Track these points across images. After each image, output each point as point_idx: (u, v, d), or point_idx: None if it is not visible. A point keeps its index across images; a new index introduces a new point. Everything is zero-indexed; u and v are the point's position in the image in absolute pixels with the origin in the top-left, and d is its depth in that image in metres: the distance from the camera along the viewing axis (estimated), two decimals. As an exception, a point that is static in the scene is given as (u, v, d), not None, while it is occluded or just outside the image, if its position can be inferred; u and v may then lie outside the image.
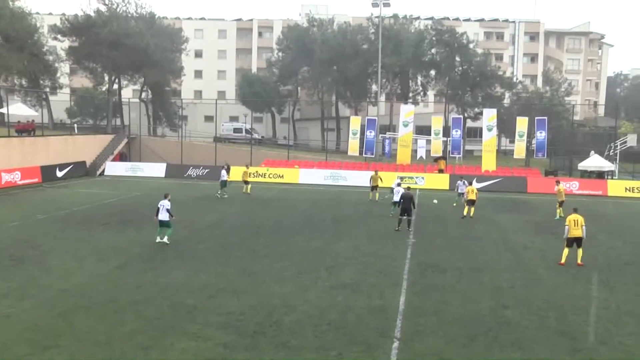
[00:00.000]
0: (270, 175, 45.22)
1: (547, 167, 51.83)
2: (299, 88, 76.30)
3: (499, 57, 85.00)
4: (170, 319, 12.88)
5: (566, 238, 18.98)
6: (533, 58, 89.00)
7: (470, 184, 30.16)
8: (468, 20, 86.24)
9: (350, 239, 22.62)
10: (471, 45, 68.45)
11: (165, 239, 20.33)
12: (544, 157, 50.37)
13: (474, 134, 68.47)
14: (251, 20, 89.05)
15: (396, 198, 26.79)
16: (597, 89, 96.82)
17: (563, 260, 18.89)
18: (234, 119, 75.22)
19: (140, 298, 14.30)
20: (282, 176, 44.97)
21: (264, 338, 11.85)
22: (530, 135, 50.47)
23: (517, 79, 76.35)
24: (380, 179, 34.81)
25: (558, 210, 29.70)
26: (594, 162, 46.57)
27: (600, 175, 45.52)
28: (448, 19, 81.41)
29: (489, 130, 47.70)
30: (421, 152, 50.21)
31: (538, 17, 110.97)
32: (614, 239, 24.01)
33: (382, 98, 69.46)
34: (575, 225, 18.86)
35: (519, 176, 44.52)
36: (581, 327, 13.11)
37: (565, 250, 19.06)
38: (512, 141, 51.71)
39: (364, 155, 50.81)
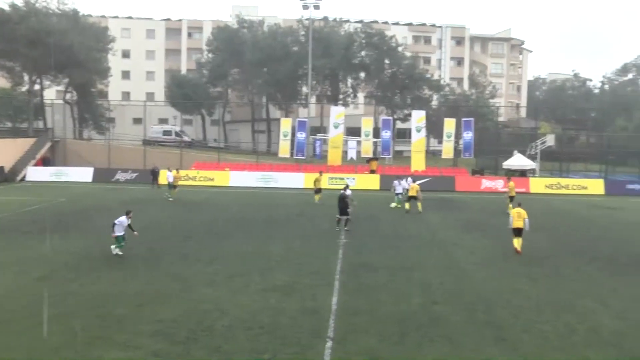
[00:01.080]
0: (201, 178, 44.55)
1: (474, 166, 53.68)
2: (229, 90, 75.58)
3: (427, 61, 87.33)
4: (98, 330, 12.32)
5: (511, 228, 20.97)
6: (459, 62, 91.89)
7: (414, 182, 31.88)
8: (397, 24, 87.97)
9: (282, 240, 22.54)
10: (400, 49, 69.97)
11: (118, 250, 19.01)
12: (471, 157, 52.08)
13: (404, 135, 69.87)
14: (180, 20, 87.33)
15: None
16: (519, 91, 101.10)
17: (518, 248, 20.79)
18: (163, 121, 73.59)
19: (66, 310, 13.63)
20: (213, 179, 44.39)
21: (196, 344, 11.58)
22: (458, 135, 52.00)
23: (444, 81, 78.52)
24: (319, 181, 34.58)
25: (509, 206, 30.87)
26: (517, 161, 48.67)
27: (523, 173, 47.60)
28: (377, 22, 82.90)
29: (418, 131, 48.82)
30: (352, 153, 50.76)
31: (463, 23, 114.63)
32: (536, 233, 25.04)
33: (313, 100, 69.82)
34: (519, 217, 20.75)
35: (447, 175, 45.80)
36: (507, 318, 13.62)
37: (514, 240, 20.93)
38: (441, 142, 53.22)
39: (295, 156, 50.86)
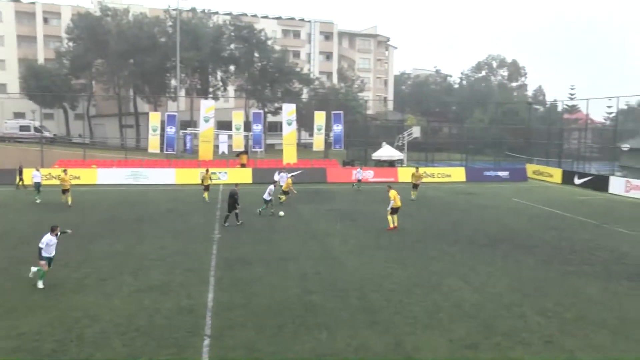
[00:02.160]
0: (59, 177, 41.69)
1: (345, 157, 55.40)
2: (93, 82, 71.33)
3: (297, 55, 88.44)
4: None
5: (391, 208, 24.01)
6: (328, 56, 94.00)
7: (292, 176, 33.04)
8: (266, 17, 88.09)
9: (155, 238, 21.94)
10: (269, 42, 70.24)
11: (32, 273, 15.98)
12: (342, 149, 53.62)
13: (275, 128, 70.41)
14: (33, 3, 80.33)
15: (266, 197, 27.40)
16: (386, 86, 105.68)
17: (391, 225, 24.01)
18: (19, 115, 67.90)
19: None
20: (79, 177, 41.75)
21: (65, 356, 10.97)
22: (328, 128, 53.32)
23: (314, 75, 80.00)
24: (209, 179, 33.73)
25: (413, 193, 33.87)
26: (386, 152, 51.01)
27: (392, 163, 49.98)
28: (246, 15, 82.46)
29: (289, 124, 49.42)
30: (223, 148, 50.28)
31: (332, 19, 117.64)
32: (405, 220, 26.48)
33: (182, 93, 68.15)
34: (396, 198, 24.10)
35: (318, 167, 46.83)
36: (379, 302, 14.39)
37: (390, 218, 24.06)
38: (311, 134, 54.28)
39: (165, 152, 49.43)
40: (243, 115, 54.94)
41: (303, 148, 61.85)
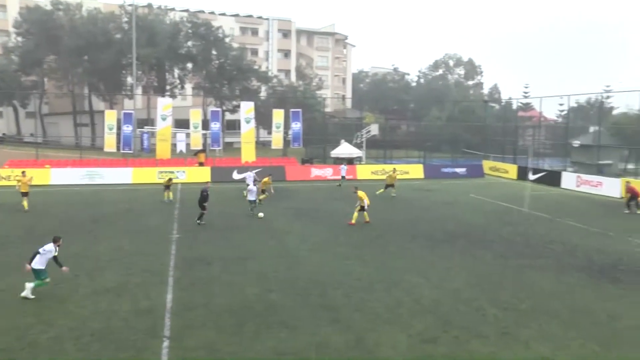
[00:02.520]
0: (16, 178, 40.45)
1: (304, 155, 55.43)
2: (45, 79, 69.33)
3: (255, 52, 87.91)
4: None
5: (360, 206, 24.79)
6: (286, 54, 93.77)
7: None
8: (224, 14, 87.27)
9: (111, 239, 21.49)
10: (227, 40, 69.67)
11: (29, 291, 14.32)
12: (300, 147, 53.62)
13: (233, 126, 69.87)
14: (-25, -6, 76.67)
15: (251, 197, 27.20)
16: (344, 84, 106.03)
17: (354, 221, 24.60)
18: (-37, 113, 65.52)
19: None
20: (31, 178, 40.56)
21: (16, 361, 10.65)
22: (287, 126, 53.22)
23: (272, 73, 79.68)
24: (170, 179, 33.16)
25: (391, 190, 34.63)
26: (345, 149, 51.25)
27: (350, 161, 50.20)
28: (203, 12, 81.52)
29: (247, 122, 49.11)
30: (181, 146, 49.62)
31: (290, 16, 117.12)
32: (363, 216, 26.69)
33: (139, 91, 67.02)
34: (365, 197, 24.86)
35: (277, 165, 46.70)
36: (339, 299, 14.44)
37: (356, 214, 24.65)
38: (270, 132, 54.07)
39: (121, 151, 48.46)
40: (201, 114, 54.35)
41: (262, 146, 61.61)
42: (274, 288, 15.31)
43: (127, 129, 47.84)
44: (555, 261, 18.94)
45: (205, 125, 53.71)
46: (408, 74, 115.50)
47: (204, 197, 24.63)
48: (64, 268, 14.74)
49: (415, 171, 48.14)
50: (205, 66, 67.76)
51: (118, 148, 48.42)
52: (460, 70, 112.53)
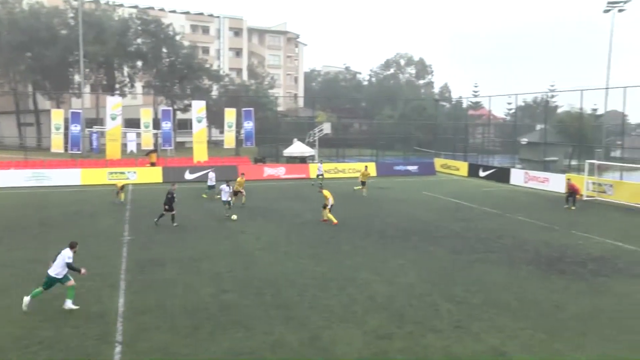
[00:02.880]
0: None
1: (256, 155, 55.14)
2: (-17, 76, 66.69)
3: (206, 51, 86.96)
4: None
5: (329, 205, 24.72)
6: (238, 52, 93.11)
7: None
8: (174, 12, 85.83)
9: (60, 243, 20.54)
10: (178, 38, 68.64)
11: (70, 304, 13.49)
12: (253, 146, 53.31)
13: (185, 125, 68.72)
14: None
15: (224, 197, 26.51)
16: (296, 82, 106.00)
17: (328, 219, 24.68)
18: None
19: None
20: (-30, 180, 39.03)
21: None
22: (239, 125, 52.84)
23: (223, 72, 78.99)
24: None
25: (363, 189, 34.97)
26: (297, 148, 51.23)
27: (303, 160, 50.22)
28: (153, 9, 79.98)
29: (199, 121, 48.46)
30: (131, 146, 48.56)
31: (241, 15, 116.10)
32: (317, 215, 26.75)
33: (87, 89, 65.21)
34: (326, 197, 24.86)
35: (230, 165, 46.32)
36: (294, 298, 14.45)
37: (331, 215, 24.65)
38: (222, 132, 53.49)
39: (70, 151, 47.02)
40: (152, 113, 53.39)
41: (214, 146, 60.94)
42: (229, 288, 15.19)
43: (75, 128, 46.43)
44: (505, 255, 19.46)
45: (157, 124, 52.79)
46: (360, 73, 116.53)
47: (169, 199, 24.26)
48: (82, 271, 13.74)
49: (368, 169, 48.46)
50: (155, 64, 66.57)
51: (66, 149, 46.97)
52: (411, 70, 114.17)
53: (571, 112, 61.34)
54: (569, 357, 11.14)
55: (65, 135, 46.65)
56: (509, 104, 75.69)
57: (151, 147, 47.94)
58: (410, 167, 49.89)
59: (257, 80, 78.00)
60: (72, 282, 13.57)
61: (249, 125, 50.37)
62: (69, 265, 13.52)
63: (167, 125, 48.98)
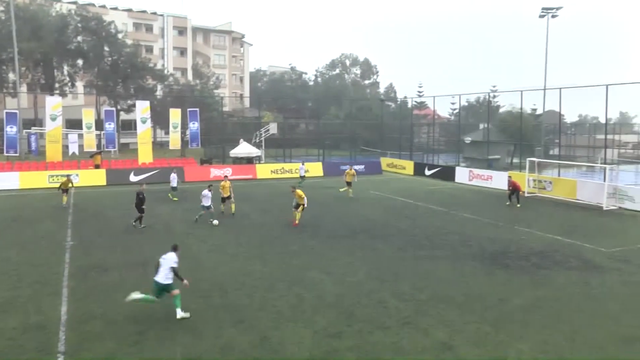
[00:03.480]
0: None
1: (203, 156, 54.45)
2: None
3: (150, 49, 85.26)
4: None
5: (300, 205, 24.34)
6: (182, 52, 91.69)
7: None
8: (115, 8, 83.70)
9: (-4, 250, 20.01)
10: (120, 35, 67.00)
11: (181, 312, 13.04)
12: (199, 147, 52.67)
13: (129, 126, 67.37)
14: None
15: (205, 202, 24.92)
16: (242, 82, 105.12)
17: (297, 221, 24.35)
18: None
19: None
20: None
21: None
22: (184, 126, 52.09)
23: (168, 71, 77.59)
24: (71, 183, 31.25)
25: (348, 190, 35.02)
26: (244, 149, 50.84)
27: (250, 160, 49.91)
28: (94, 5, 77.83)
29: (143, 122, 47.48)
30: (73, 148, 47.14)
31: (185, 13, 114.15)
32: (265, 215, 26.61)
33: (23, 89, 62.88)
34: (300, 196, 24.32)
35: (176, 166, 45.55)
36: (242, 300, 14.32)
37: (296, 212, 24.40)
38: (167, 133, 52.61)
39: (6, 153, 45.18)
40: (94, 113, 51.94)
41: (159, 147, 59.83)
42: (176, 292, 14.89)
43: (11, 130, 44.66)
44: (451, 251, 19.87)
45: (99, 125, 51.40)
46: (306, 73, 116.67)
47: (140, 200, 23.78)
48: (184, 282, 13.33)
49: (315, 169, 48.70)
50: (97, 63, 64.74)
51: (1, 151, 45.15)
52: (357, 70, 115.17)
53: (512, 112, 63.37)
54: (513, 348, 11.46)
55: (1, 137, 44.81)
56: (453, 104, 77.51)
57: (94, 149, 46.65)
58: (357, 167, 50.19)
59: (202, 80, 76.91)
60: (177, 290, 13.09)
61: (194, 125, 49.72)
62: (174, 271, 13.06)
63: (110, 126, 47.84)
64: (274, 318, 13.04)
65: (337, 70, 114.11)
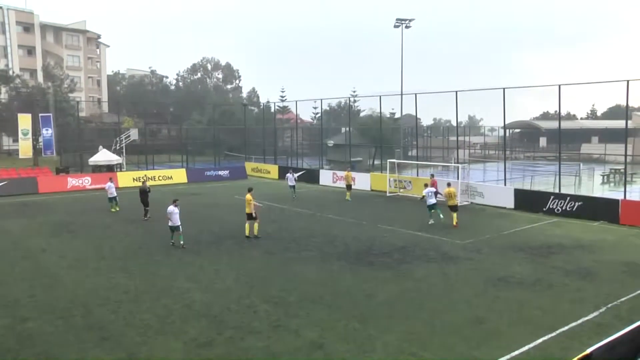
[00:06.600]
0: None
1: (58, 164, 50.88)
2: None
3: (-12, 47, 78.09)
4: None
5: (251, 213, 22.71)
6: (30, 51, 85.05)
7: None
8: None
9: None
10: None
11: None
12: (54, 155, 49.30)
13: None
14: None
15: (175, 222, 21.74)
16: (99, 86, 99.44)
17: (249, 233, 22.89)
18: None
19: None
20: None
21: None
22: (36, 133, 48.52)
23: (13, 72, 71.65)
24: None
25: (348, 193, 35.68)
26: (103, 156, 48.28)
27: (110, 168, 47.51)
28: None
29: (-13, 129, 43.58)
30: None
31: (31, 7, 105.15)
32: (127, 227, 25.47)
33: None
34: (249, 204, 22.85)
35: (27, 177, 42.26)
36: (107, 316, 13.59)
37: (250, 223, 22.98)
38: (16, 140, 48.62)
39: None
40: None
41: (7, 156, 55.26)
42: (30, 315, 13.73)
43: None
44: (318, 252, 20.36)
45: None
46: (166, 77, 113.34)
47: (147, 194, 25.39)
48: None
49: (178, 176, 47.61)
50: None
51: None
52: (219, 74, 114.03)
53: (372, 116, 66.27)
54: (380, 340, 11.99)
55: None
56: (315, 108, 79.44)
57: None
58: (221, 172, 49.87)
59: (55, 83, 71.89)
60: None
61: (47, 132, 46.43)
62: None
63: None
64: (141, 332, 12.53)
65: (199, 75, 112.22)
